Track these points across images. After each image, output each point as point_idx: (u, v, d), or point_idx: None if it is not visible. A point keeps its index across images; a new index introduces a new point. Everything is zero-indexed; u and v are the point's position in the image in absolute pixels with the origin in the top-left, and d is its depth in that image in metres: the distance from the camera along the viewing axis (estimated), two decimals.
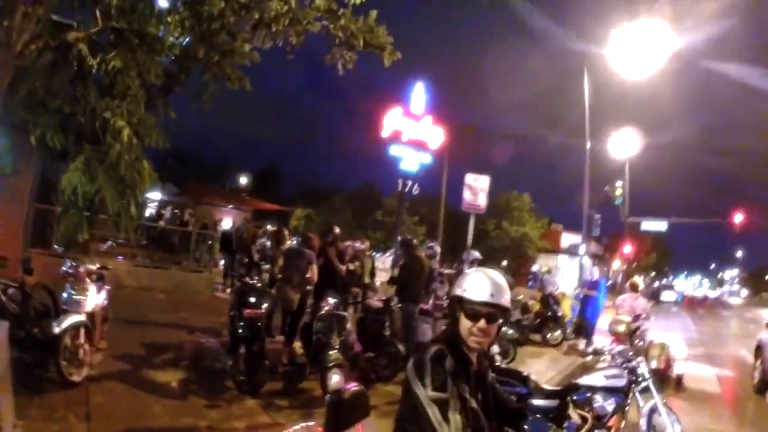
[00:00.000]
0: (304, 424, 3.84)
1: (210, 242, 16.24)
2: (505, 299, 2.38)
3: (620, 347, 6.12)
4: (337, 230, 8.72)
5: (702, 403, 8.70)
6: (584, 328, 12.93)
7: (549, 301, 13.54)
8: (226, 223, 22.69)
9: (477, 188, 7.72)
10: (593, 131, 19.26)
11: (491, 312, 2.34)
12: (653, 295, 48.00)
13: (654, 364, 6.87)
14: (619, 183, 24.99)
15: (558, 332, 12.76)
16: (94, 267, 6.74)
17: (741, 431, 7.65)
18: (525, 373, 5.35)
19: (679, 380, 9.57)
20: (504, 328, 10.03)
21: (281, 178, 55.77)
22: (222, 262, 16.88)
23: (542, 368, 9.69)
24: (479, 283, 2.39)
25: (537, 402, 5.04)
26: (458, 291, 2.42)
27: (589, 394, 5.12)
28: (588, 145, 19.19)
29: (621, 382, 5.20)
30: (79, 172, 5.88)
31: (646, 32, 16.68)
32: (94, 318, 6.43)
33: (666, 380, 9.75)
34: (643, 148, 23.33)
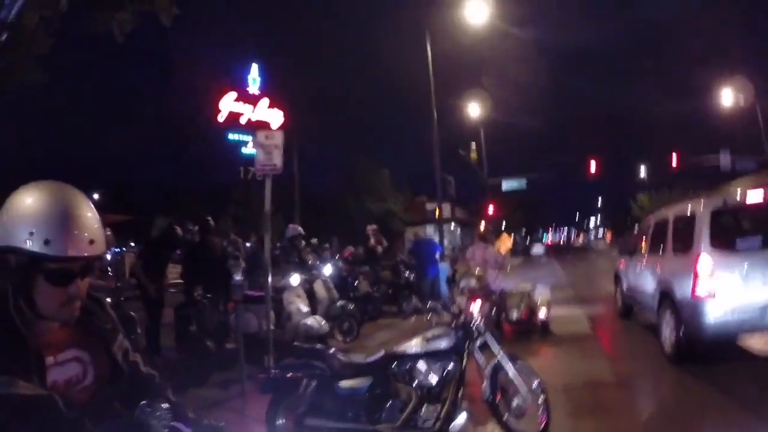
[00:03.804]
0: None
1: None
2: None
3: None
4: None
5: (573, 344, 8.42)
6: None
7: (399, 267, 12.44)
8: None
9: (270, 145, 6.54)
10: (443, 100, 19.20)
11: None
12: (524, 251, 51.05)
13: (515, 315, 6.23)
14: (473, 145, 25.50)
15: (414, 300, 11.28)
16: None
17: (613, 361, 7.39)
18: (331, 350, 4.34)
19: (544, 326, 9.16)
20: (341, 303, 9.06)
21: (136, 187, 52.25)
22: None
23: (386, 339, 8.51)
24: None
25: (345, 383, 4.03)
26: None
27: (410, 364, 4.09)
28: (435, 112, 19.10)
29: (446, 343, 4.17)
30: None
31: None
32: None
33: (532, 329, 9.42)
34: (495, 113, 24.25)
